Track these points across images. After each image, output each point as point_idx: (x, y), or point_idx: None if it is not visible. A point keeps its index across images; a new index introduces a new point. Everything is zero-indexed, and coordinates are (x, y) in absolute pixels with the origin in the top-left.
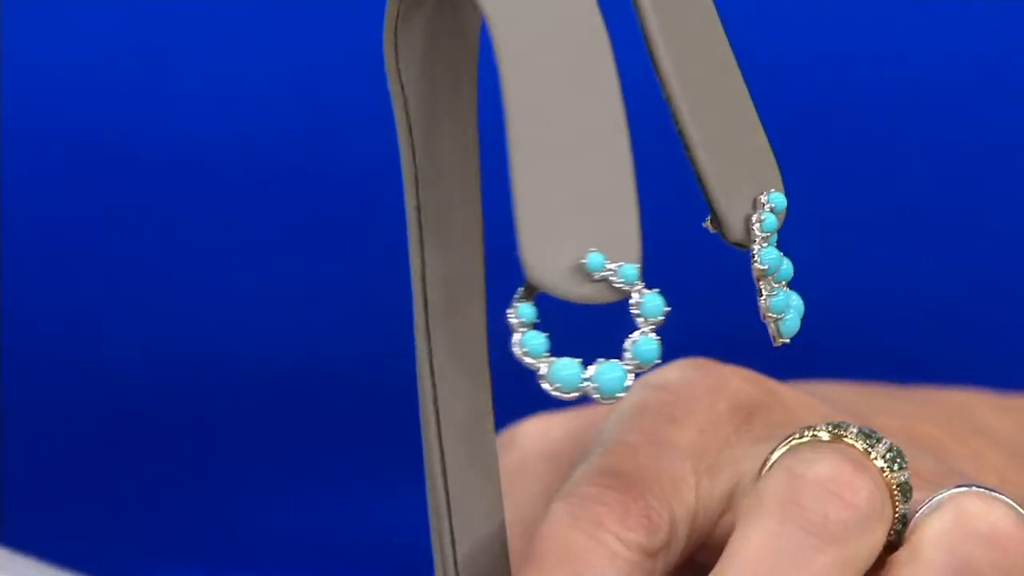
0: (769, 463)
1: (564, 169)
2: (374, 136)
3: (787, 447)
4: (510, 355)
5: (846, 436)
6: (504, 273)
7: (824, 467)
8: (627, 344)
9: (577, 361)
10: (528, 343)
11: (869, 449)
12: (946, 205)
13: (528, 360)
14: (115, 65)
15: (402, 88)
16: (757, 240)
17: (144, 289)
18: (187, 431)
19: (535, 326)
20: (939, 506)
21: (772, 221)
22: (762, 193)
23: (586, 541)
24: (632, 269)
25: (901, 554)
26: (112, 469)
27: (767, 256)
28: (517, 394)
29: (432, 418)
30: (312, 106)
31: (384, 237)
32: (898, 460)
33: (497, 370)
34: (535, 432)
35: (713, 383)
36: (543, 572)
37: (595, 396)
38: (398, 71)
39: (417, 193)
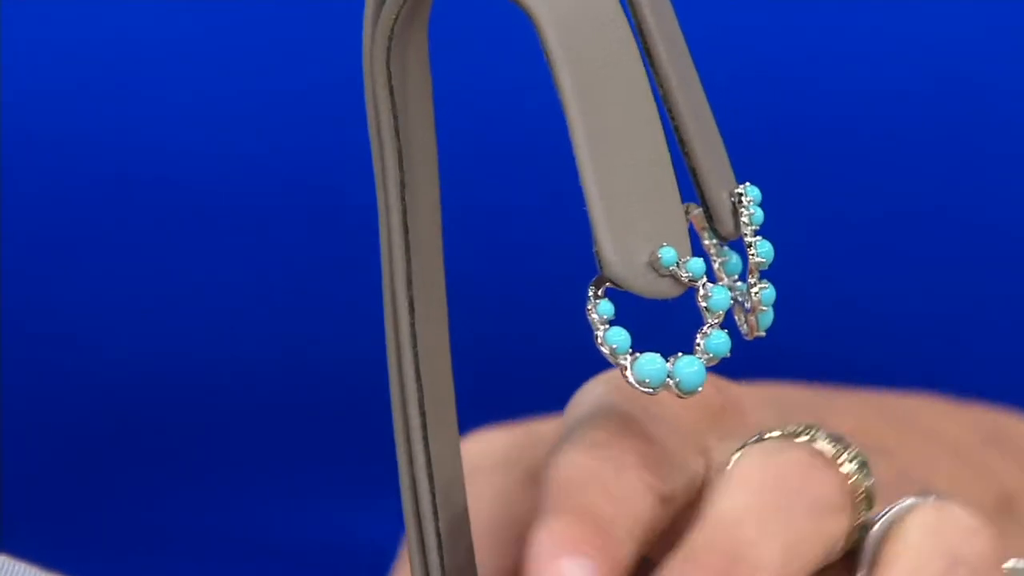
0: (739, 454)
1: (625, 170)
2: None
3: (758, 441)
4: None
5: (814, 439)
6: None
7: (797, 454)
8: (699, 339)
9: (659, 356)
10: (614, 340)
11: (839, 452)
12: (911, 211)
13: (614, 357)
14: (114, 66)
15: (391, 92)
16: (749, 233)
17: (143, 289)
18: (182, 434)
19: (610, 322)
20: (902, 520)
21: (760, 214)
22: (739, 187)
23: (612, 472)
24: (699, 263)
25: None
26: (108, 471)
27: (764, 249)
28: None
29: (418, 421)
30: (311, 109)
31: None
32: (865, 467)
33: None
34: (479, 446)
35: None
36: (569, 494)
37: (675, 390)
38: (389, 74)
39: (403, 197)
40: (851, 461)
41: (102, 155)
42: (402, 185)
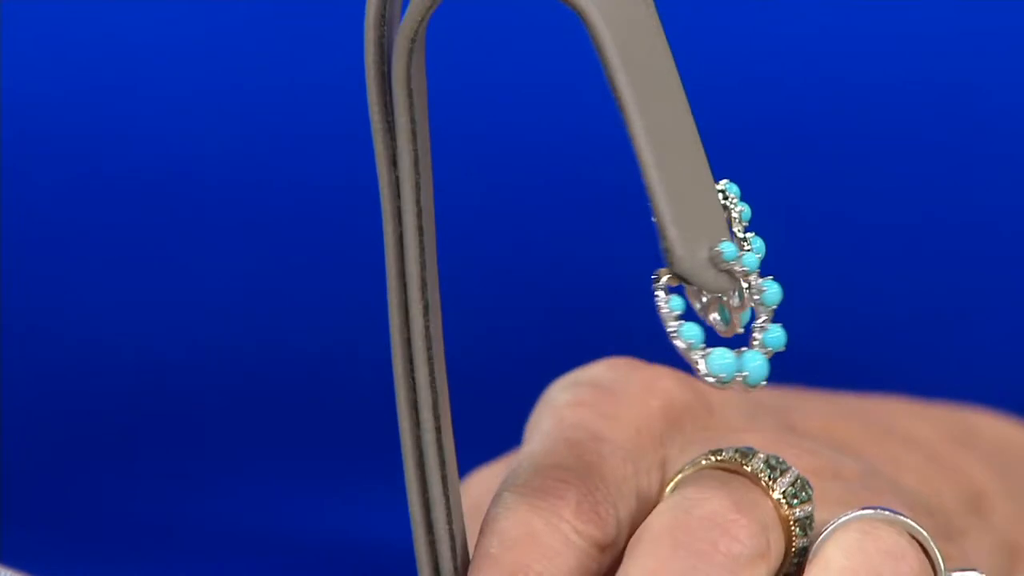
0: (667, 488)
1: (678, 166)
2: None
3: (682, 476)
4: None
5: (748, 465)
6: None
7: (709, 508)
8: (756, 333)
9: (729, 351)
10: (690, 335)
11: (771, 482)
12: (893, 212)
13: (691, 353)
14: (114, 66)
15: (409, 94)
16: (740, 230)
17: (141, 287)
18: (182, 431)
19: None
20: (827, 541)
21: (748, 210)
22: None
23: (544, 525)
24: (754, 258)
25: None
26: (107, 467)
27: (758, 244)
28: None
29: (431, 424)
30: (311, 109)
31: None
32: (800, 494)
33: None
34: (481, 481)
35: (645, 382)
36: (504, 548)
37: (742, 385)
38: (408, 76)
39: (418, 200)
40: (783, 491)
41: (102, 155)
42: (417, 188)
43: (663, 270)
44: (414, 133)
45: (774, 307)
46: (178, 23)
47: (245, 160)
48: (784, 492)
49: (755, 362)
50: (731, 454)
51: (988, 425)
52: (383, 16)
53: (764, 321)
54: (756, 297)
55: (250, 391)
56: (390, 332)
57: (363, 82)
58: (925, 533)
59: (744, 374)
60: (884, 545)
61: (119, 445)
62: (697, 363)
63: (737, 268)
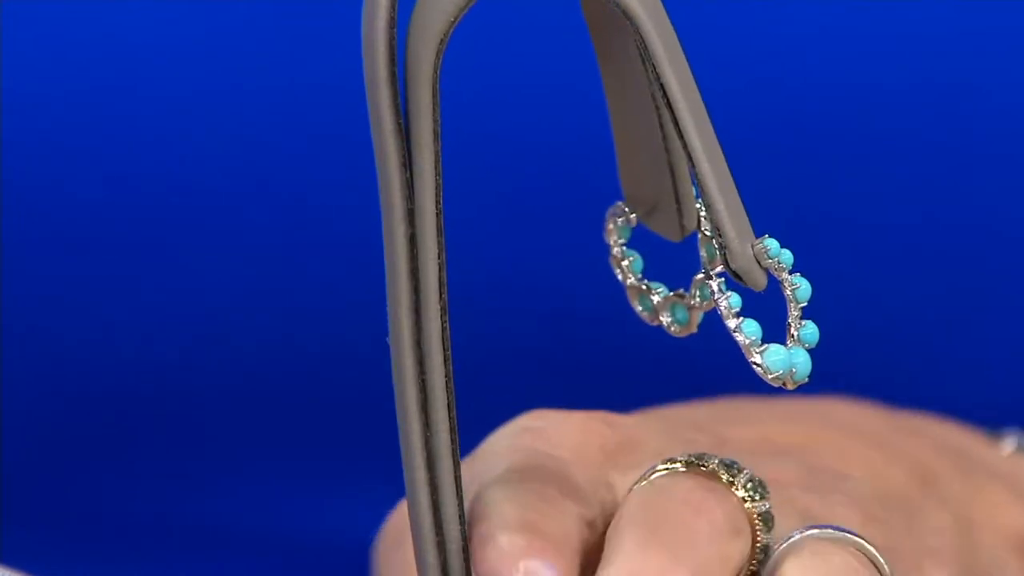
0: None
1: (721, 166)
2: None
3: (646, 480)
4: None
5: (707, 466)
6: None
7: (680, 490)
8: (792, 330)
9: (783, 347)
10: (752, 331)
11: (731, 479)
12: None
13: (750, 348)
14: (114, 66)
15: (435, 94)
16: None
17: (139, 287)
18: (179, 431)
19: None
20: (792, 557)
21: (789, 255)
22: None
23: (540, 501)
24: (790, 255)
25: None
26: (104, 466)
27: (804, 289)
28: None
29: (446, 425)
30: (307, 110)
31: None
32: (759, 490)
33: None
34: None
35: (576, 426)
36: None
37: (792, 380)
38: (435, 77)
39: (438, 201)
40: (744, 486)
41: (102, 155)
42: (437, 188)
43: (710, 267)
44: (437, 135)
45: (805, 303)
46: (178, 23)
47: (245, 160)
48: (745, 487)
49: (801, 359)
50: (686, 457)
51: (927, 423)
52: (393, 18)
53: (799, 318)
54: (788, 293)
55: (249, 391)
56: (395, 334)
57: (360, 82)
58: (873, 550)
59: (794, 370)
60: (836, 568)
61: (119, 445)
62: (756, 359)
63: (776, 264)
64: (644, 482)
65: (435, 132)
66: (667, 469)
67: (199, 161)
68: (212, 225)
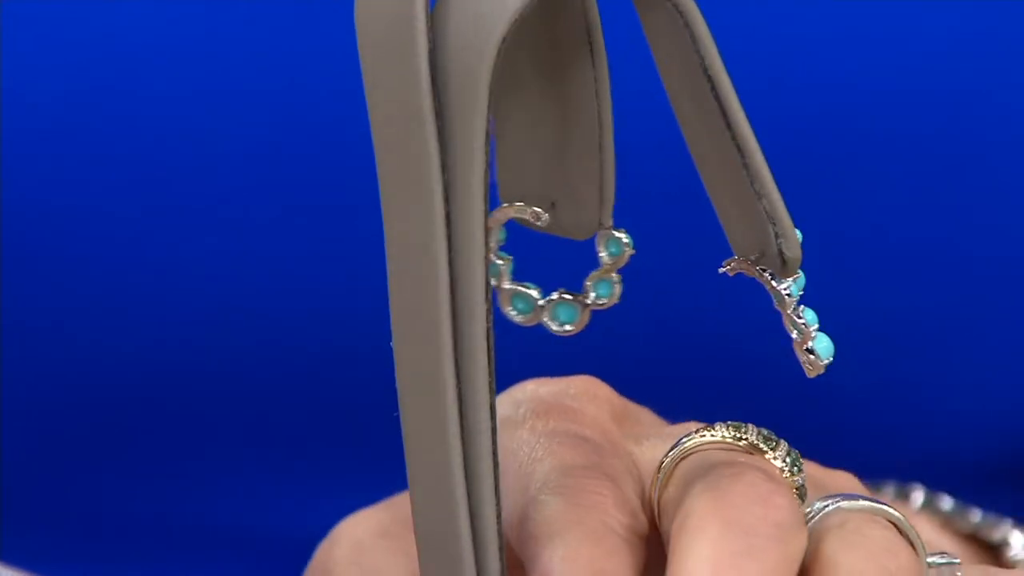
0: (670, 469)
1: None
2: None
3: (683, 455)
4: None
5: (746, 436)
6: None
7: (744, 481)
8: (799, 320)
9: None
10: (813, 319)
11: (771, 452)
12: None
13: (810, 333)
14: (114, 66)
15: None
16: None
17: (138, 288)
18: (177, 431)
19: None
20: (826, 539)
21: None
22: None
23: (599, 525)
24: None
25: None
26: (103, 466)
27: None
28: None
29: (487, 424)
30: (308, 111)
31: (373, 246)
32: (797, 461)
33: None
34: (356, 523)
35: (585, 391)
36: (569, 546)
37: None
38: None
39: (485, 199)
40: (783, 459)
41: (102, 154)
42: (486, 189)
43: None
44: (488, 135)
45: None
46: (178, 23)
47: (245, 160)
48: (785, 460)
49: (824, 343)
50: (725, 430)
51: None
52: (428, 11)
53: (799, 308)
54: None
55: (250, 391)
56: (432, 336)
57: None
58: (904, 520)
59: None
60: (877, 544)
61: (119, 445)
62: (810, 345)
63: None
64: (670, 461)
65: (487, 132)
66: (705, 440)
67: (198, 161)
68: (212, 225)
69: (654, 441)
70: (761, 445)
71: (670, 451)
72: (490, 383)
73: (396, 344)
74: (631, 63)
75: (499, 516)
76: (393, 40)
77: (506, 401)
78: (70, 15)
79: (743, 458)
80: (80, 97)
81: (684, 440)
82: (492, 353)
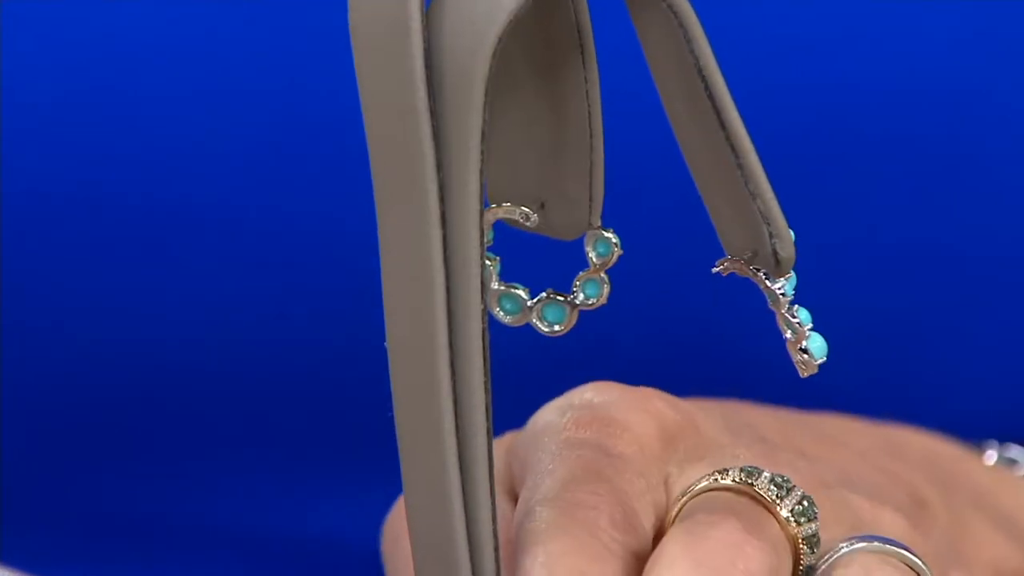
0: (678, 508)
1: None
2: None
3: (689, 499)
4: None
5: (756, 485)
6: None
7: (722, 529)
8: (793, 318)
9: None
10: (807, 318)
11: (778, 500)
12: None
13: (804, 332)
14: (114, 66)
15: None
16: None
17: (137, 288)
18: (177, 432)
19: None
20: (843, 566)
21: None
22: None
23: (588, 536)
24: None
25: None
26: (102, 466)
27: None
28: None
29: (483, 427)
30: (309, 111)
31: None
32: (807, 512)
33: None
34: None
35: (637, 403)
36: (550, 553)
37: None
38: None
39: (480, 198)
40: (791, 509)
41: (102, 154)
42: (481, 188)
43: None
44: (484, 133)
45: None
46: (178, 23)
47: (245, 161)
48: (792, 510)
49: (817, 342)
50: (737, 474)
51: (914, 439)
52: (423, 12)
53: (792, 307)
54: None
55: (250, 392)
56: (427, 337)
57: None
58: (920, 562)
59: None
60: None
61: (119, 445)
62: (804, 344)
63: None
64: (687, 499)
65: (483, 130)
66: (716, 484)
67: (198, 161)
68: (213, 225)
69: (703, 464)
70: (768, 495)
71: (684, 493)
72: (486, 384)
73: (390, 345)
74: (624, 63)
75: (495, 518)
76: (388, 40)
77: (555, 406)
78: (70, 15)
79: (743, 505)
80: (80, 97)
81: (696, 483)
82: (488, 354)
